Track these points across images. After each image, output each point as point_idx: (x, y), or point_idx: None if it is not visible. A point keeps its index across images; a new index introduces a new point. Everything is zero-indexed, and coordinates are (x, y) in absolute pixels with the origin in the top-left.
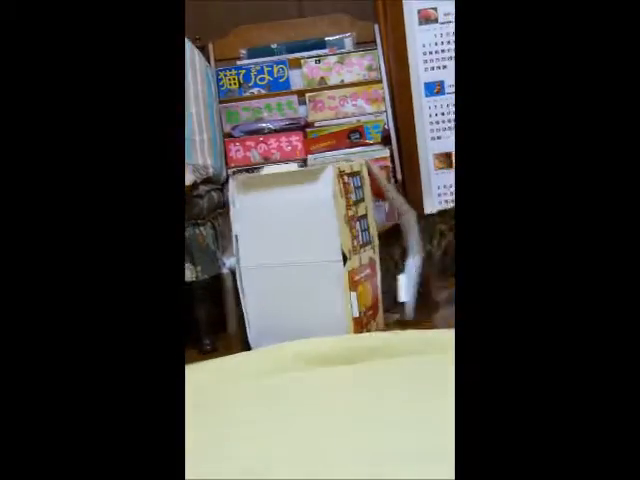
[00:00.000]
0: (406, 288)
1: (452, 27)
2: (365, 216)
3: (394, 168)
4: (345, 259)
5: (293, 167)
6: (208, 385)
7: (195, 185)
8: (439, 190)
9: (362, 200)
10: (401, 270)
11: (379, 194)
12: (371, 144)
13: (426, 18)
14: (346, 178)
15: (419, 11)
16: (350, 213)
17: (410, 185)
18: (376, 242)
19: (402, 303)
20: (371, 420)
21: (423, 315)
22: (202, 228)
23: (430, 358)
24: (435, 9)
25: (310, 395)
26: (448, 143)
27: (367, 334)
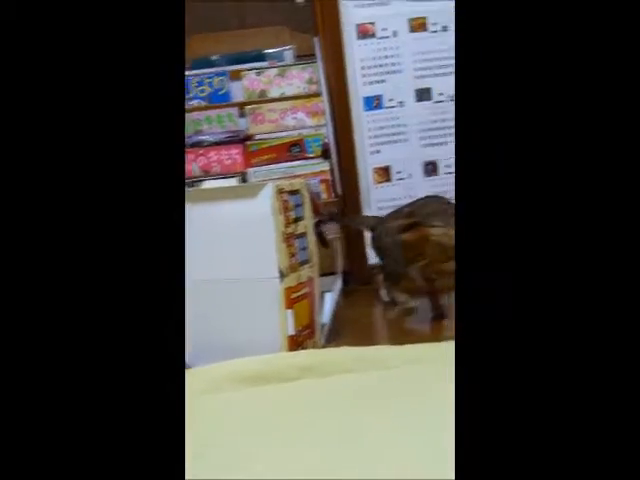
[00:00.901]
0: (328, 309)
1: (389, 42)
2: (304, 234)
3: (334, 182)
4: (282, 276)
5: (233, 182)
6: None
7: None
8: (379, 204)
9: (302, 219)
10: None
11: (317, 212)
12: (311, 157)
13: (364, 33)
14: (285, 196)
15: (357, 26)
16: (289, 230)
17: (349, 199)
18: (315, 261)
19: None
20: (303, 440)
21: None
22: None
23: (365, 375)
24: (373, 24)
25: (239, 416)
26: (387, 157)
27: (301, 351)
